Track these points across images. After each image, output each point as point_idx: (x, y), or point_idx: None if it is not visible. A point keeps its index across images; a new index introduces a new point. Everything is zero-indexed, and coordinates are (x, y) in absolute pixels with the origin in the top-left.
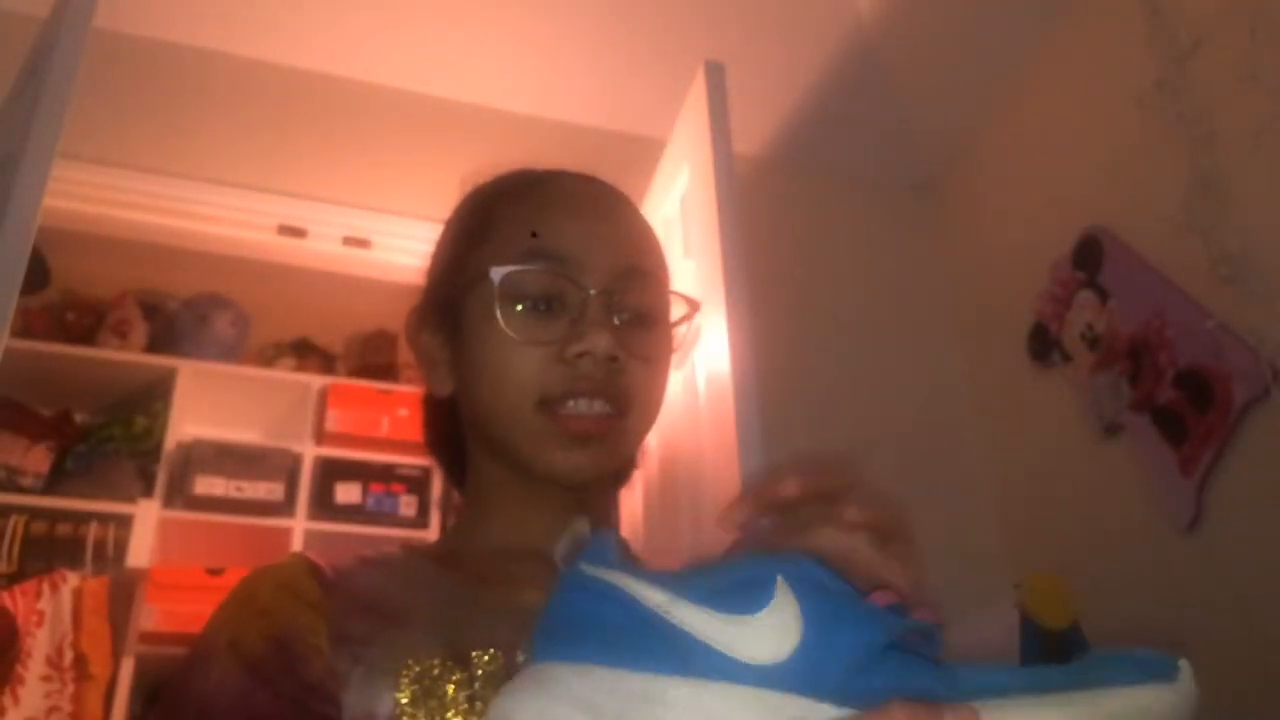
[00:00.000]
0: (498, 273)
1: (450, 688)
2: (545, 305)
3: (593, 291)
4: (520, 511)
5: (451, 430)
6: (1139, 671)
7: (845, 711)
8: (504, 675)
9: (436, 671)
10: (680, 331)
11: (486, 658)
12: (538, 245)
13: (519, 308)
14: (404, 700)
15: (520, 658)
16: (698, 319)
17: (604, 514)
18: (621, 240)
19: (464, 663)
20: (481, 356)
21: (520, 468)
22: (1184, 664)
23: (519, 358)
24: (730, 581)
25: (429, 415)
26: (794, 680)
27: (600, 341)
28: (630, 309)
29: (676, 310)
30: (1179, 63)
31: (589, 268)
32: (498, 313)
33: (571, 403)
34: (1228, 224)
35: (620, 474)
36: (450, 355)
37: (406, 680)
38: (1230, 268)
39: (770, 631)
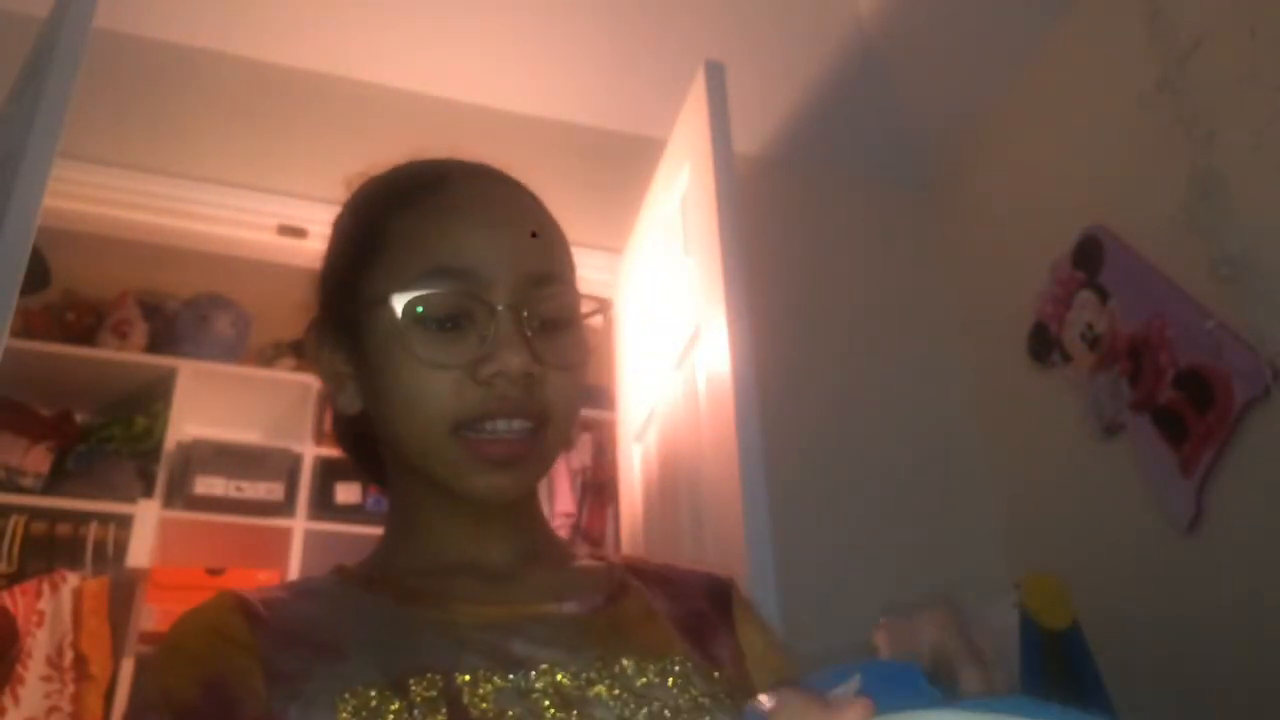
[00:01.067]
0: (399, 299)
1: (390, 717)
2: (453, 324)
3: (500, 307)
4: (445, 528)
5: (365, 442)
6: None
7: None
8: (443, 699)
9: (374, 702)
10: (592, 328)
11: (425, 683)
12: (438, 262)
13: (424, 330)
14: None
15: (461, 679)
16: (696, 323)
17: (536, 520)
18: (526, 246)
19: (402, 690)
20: (388, 380)
21: (439, 488)
22: None
23: (429, 382)
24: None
25: (341, 433)
26: None
27: (513, 360)
28: (541, 317)
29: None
30: (1179, 63)
31: (495, 281)
32: (402, 338)
33: (489, 424)
34: (1228, 224)
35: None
36: (355, 371)
37: (345, 713)
38: (1230, 268)
39: None
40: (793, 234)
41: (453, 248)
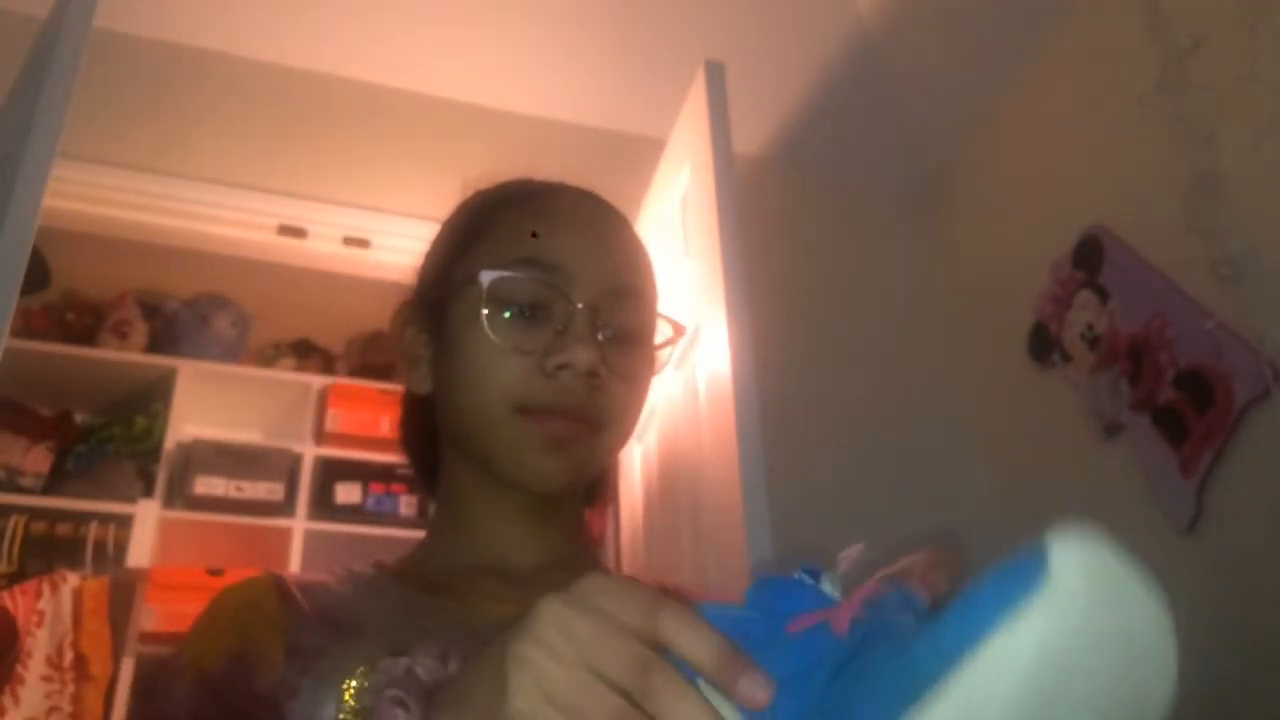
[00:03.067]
0: (487, 276)
1: None
2: (531, 313)
3: (580, 305)
4: (488, 522)
5: (426, 430)
6: (994, 603)
7: None
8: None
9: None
10: (664, 354)
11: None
12: (530, 254)
13: (505, 314)
14: (349, 705)
15: (454, 665)
16: (696, 324)
17: (573, 530)
18: (614, 258)
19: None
20: (462, 358)
21: (492, 472)
22: (1061, 540)
23: (500, 363)
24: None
25: (406, 412)
26: None
27: (582, 355)
28: (615, 326)
29: (663, 332)
30: (1179, 63)
31: (579, 281)
32: (483, 316)
33: (551, 414)
34: (1228, 224)
35: (590, 492)
36: (432, 354)
37: (349, 690)
38: (1230, 268)
39: None
40: (793, 234)
41: (546, 243)
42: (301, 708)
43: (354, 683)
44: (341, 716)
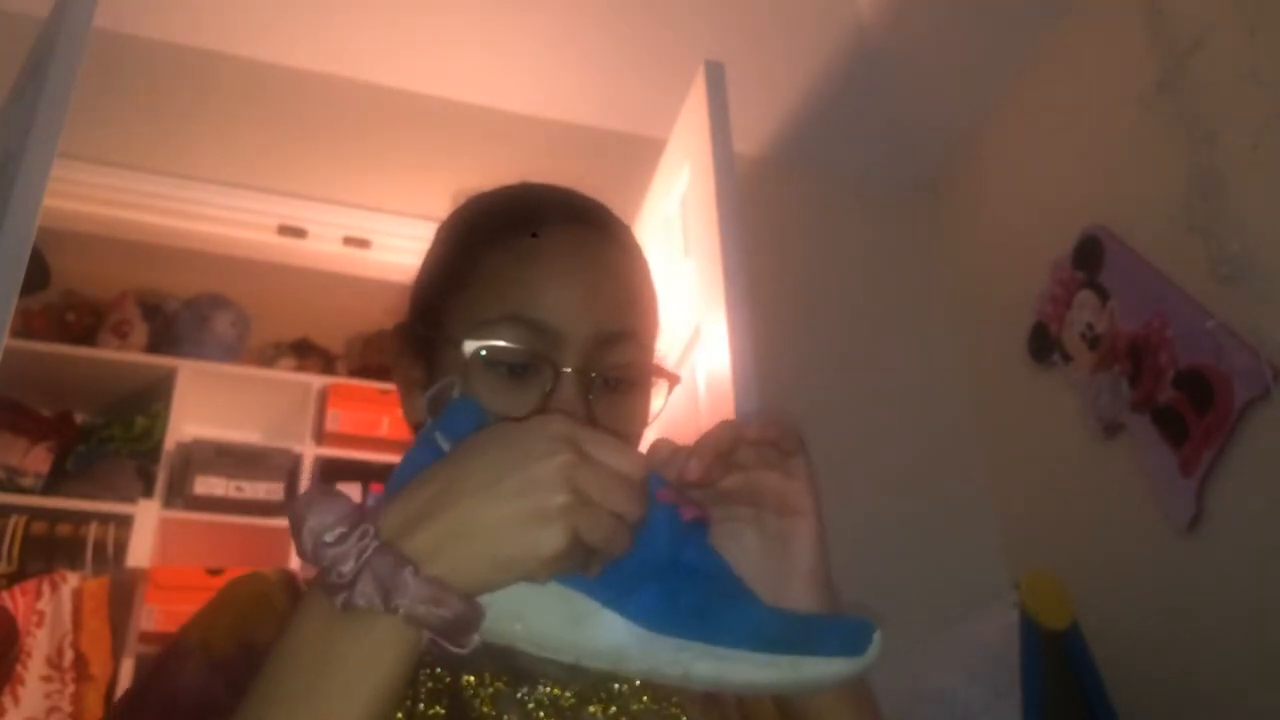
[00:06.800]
0: (470, 345)
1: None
2: (519, 372)
3: (568, 370)
4: None
5: None
6: (840, 642)
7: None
8: (445, 694)
9: None
10: (655, 404)
11: (432, 677)
12: (516, 309)
13: (493, 373)
14: None
15: (465, 679)
16: (696, 324)
17: None
18: (607, 303)
19: (409, 680)
20: None
21: None
22: (877, 639)
23: None
24: None
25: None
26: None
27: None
28: (608, 375)
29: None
30: (1179, 63)
31: (568, 339)
32: (471, 378)
33: None
34: (1228, 224)
35: None
36: (426, 384)
37: None
38: (1230, 268)
39: None
40: (793, 234)
41: (531, 297)
42: None
43: None
44: None
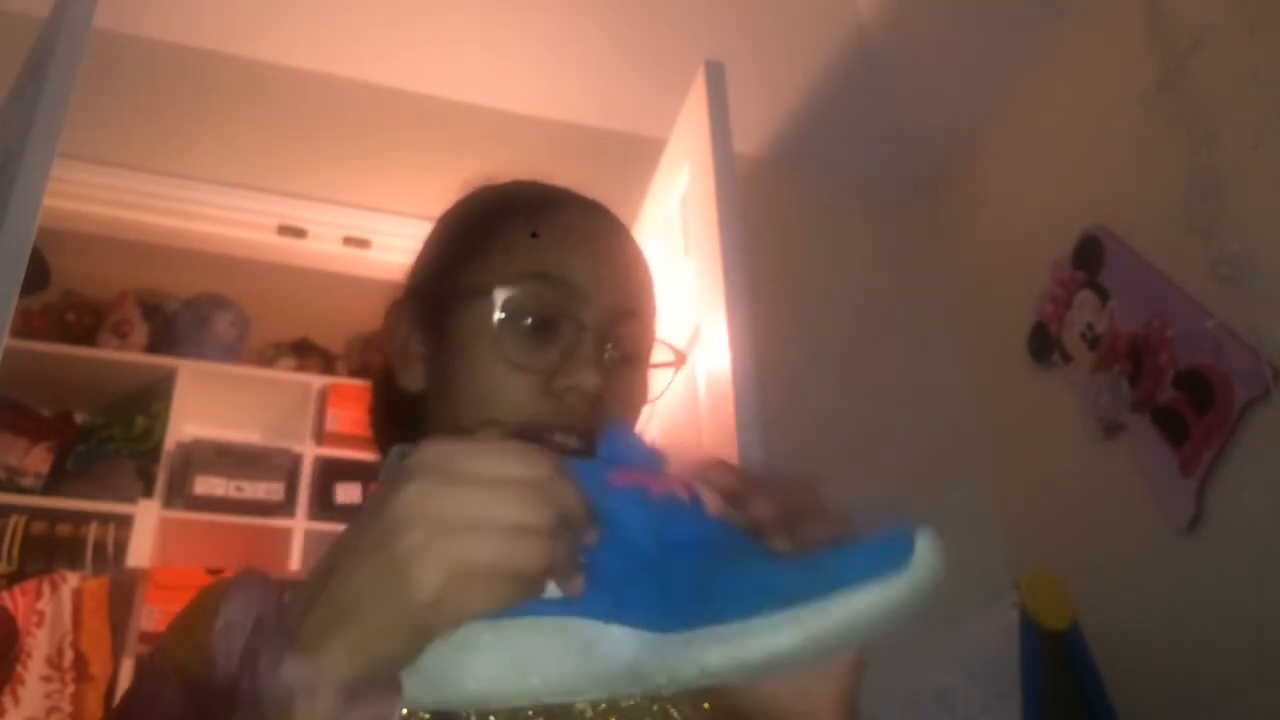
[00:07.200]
0: (501, 292)
1: None
2: (539, 330)
3: (589, 327)
4: None
5: (406, 423)
6: (869, 564)
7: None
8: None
9: None
10: (660, 380)
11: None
12: (543, 268)
13: (514, 329)
14: None
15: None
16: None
17: None
18: (623, 280)
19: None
20: (465, 369)
21: None
22: (923, 539)
23: (506, 379)
24: None
25: (382, 402)
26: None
27: (589, 379)
28: (619, 349)
29: (660, 356)
30: (1179, 63)
31: (590, 301)
32: (494, 330)
33: (551, 436)
34: (1228, 224)
35: None
36: (428, 354)
37: None
38: (1230, 268)
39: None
40: (793, 234)
41: (557, 259)
42: None
43: None
44: None
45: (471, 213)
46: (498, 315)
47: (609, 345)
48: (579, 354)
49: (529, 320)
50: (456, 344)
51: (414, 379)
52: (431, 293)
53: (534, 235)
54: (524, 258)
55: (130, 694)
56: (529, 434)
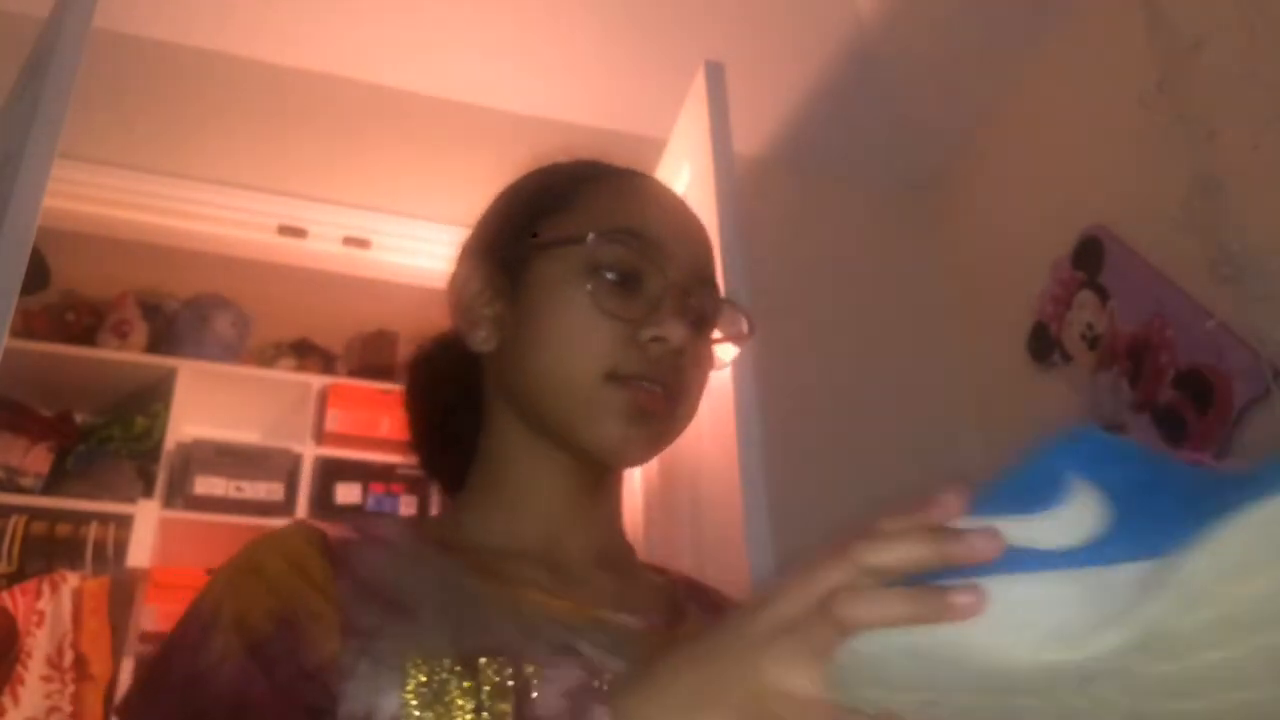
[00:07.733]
0: (594, 239)
1: (457, 694)
2: (627, 282)
3: (675, 281)
4: (540, 495)
5: (465, 392)
6: (1256, 487)
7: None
8: (511, 688)
9: (444, 675)
10: (724, 353)
11: (495, 667)
12: (632, 225)
13: (602, 279)
14: (411, 701)
15: (529, 669)
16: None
17: (619, 518)
18: (699, 246)
19: (471, 668)
20: (550, 319)
21: (564, 438)
22: None
23: (594, 328)
24: (1018, 488)
25: (435, 374)
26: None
27: (677, 330)
28: (695, 311)
29: (729, 326)
30: (1179, 63)
31: (674, 260)
32: (584, 278)
33: (642, 384)
34: (1228, 224)
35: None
36: (498, 313)
37: (413, 680)
38: (1230, 268)
39: (1071, 522)
40: (793, 234)
41: (644, 219)
42: (358, 693)
43: (419, 675)
44: (404, 711)
45: (548, 176)
46: (588, 263)
47: (689, 305)
48: (665, 306)
49: (616, 272)
50: (538, 294)
51: (485, 339)
52: (508, 248)
53: (620, 195)
54: (610, 214)
55: (173, 642)
56: (615, 379)
